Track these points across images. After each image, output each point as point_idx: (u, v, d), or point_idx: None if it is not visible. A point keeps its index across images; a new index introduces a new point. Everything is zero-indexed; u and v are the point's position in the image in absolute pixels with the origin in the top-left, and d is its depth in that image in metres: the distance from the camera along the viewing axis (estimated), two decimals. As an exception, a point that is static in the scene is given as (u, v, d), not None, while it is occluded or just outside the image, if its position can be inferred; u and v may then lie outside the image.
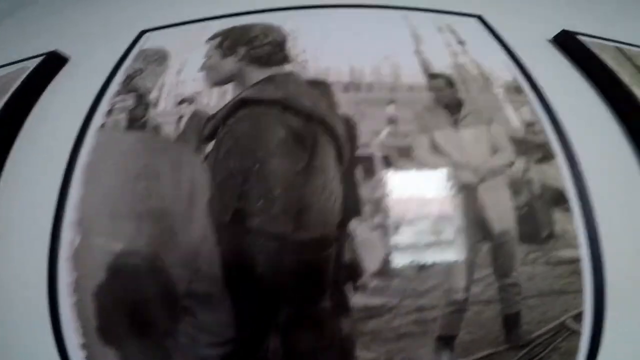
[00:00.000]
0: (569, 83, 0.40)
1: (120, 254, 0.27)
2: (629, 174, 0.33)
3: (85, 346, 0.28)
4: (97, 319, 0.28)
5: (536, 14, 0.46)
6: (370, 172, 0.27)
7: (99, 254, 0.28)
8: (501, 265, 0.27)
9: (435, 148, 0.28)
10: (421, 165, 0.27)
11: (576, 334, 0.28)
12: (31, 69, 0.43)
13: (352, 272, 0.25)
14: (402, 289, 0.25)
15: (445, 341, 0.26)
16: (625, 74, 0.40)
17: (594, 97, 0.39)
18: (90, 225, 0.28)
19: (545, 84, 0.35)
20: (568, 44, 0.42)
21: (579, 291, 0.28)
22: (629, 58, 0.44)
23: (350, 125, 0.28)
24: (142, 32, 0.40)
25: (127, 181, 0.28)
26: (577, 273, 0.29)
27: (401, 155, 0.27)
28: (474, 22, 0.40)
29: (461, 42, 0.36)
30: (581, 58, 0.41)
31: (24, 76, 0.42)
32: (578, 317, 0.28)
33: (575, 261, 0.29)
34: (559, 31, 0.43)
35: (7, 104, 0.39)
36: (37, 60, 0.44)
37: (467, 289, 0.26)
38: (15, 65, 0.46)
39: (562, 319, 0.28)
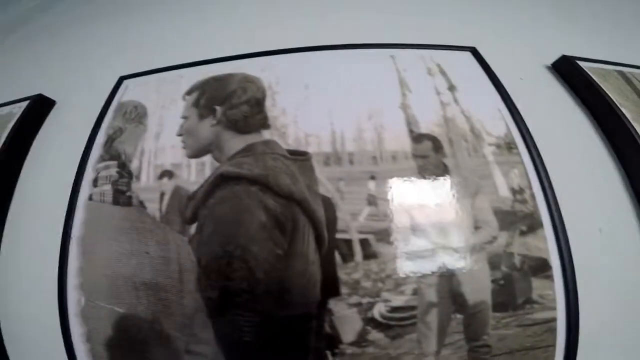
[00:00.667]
0: (566, 118, 0.38)
1: (123, 315, 0.30)
2: (620, 229, 0.33)
3: None
4: None
5: (535, 39, 0.41)
6: (348, 255, 0.28)
7: (105, 314, 0.31)
8: (473, 331, 0.28)
9: (414, 230, 0.28)
10: (397, 248, 0.28)
11: None
12: (20, 113, 0.43)
13: (331, 342, 0.27)
14: (376, 356, 0.28)
15: None
16: (628, 105, 0.37)
17: (591, 139, 0.37)
18: (92, 289, 0.31)
19: (538, 125, 0.34)
20: (568, 70, 0.39)
21: (551, 346, 0.30)
22: (630, 82, 0.41)
23: (329, 207, 0.29)
24: (122, 79, 0.39)
25: (121, 256, 0.30)
26: (551, 331, 0.30)
27: (379, 240, 0.28)
28: (467, 57, 0.37)
29: (451, 88, 0.34)
30: (580, 87, 0.38)
31: (14, 121, 0.42)
32: None
33: (551, 321, 0.30)
34: (559, 56, 0.39)
35: (2, 151, 0.39)
36: (24, 104, 0.43)
37: (437, 352, 0.28)
38: (1, 108, 0.45)
39: None
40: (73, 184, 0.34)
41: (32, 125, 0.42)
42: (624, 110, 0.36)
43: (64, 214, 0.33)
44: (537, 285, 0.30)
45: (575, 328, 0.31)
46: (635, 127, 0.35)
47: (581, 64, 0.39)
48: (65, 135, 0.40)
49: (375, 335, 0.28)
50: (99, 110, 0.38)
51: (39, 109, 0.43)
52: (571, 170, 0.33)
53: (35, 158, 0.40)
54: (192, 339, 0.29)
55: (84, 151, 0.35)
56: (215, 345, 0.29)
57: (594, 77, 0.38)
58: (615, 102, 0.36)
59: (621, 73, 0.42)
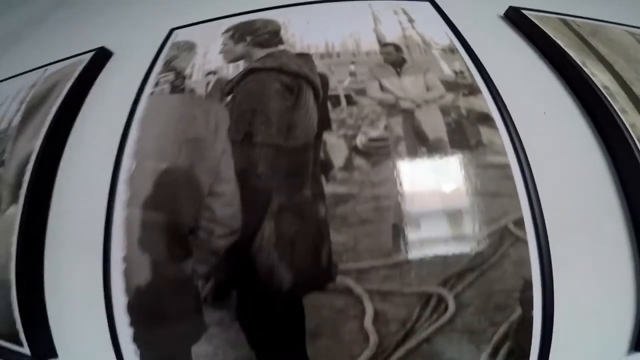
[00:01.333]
0: (509, 47, 0.52)
1: (164, 171, 0.41)
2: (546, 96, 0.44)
3: (126, 259, 0.40)
4: (140, 230, 0.40)
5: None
6: (336, 103, 0.40)
7: (149, 173, 0.41)
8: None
9: (383, 89, 0.41)
10: (372, 99, 0.40)
11: (522, 241, 0.36)
12: (86, 62, 0.57)
13: (325, 167, 0.37)
14: (360, 179, 0.37)
15: (400, 231, 0.37)
16: (563, 39, 0.51)
17: (526, 52, 0.50)
18: (143, 154, 0.42)
19: (483, 49, 0.47)
20: (515, 18, 0.54)
21: (514, 195, 0.38)
22: (572, 29, 0.56)
23: (324, 78, 0.42)
24: (172, 30, 0.56)
25: (171, 124, 0.43)
26: (509, 178, 0.38)
27: (357, 94, 0.40)
28: (427, 5, 0.53)
29: (411, 21, 0.50)
30: (524, 28, 0.53)
31: (81, 68, 0.56)
32: (519, 224, 0.38)
33: (505, 167, 0.39)
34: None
35: (72, 86, 0.54)
36: (89, 55, 0.59)
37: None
38: (69, 60, 0.60)
39: (503, 222, 0.38)
40: (137, 90, 0.48)
41: (97, 69, 0.56)
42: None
43: (129, 108, 0.46)
44: (485, 131, 0.40)
45: (530, 176, 0.39)
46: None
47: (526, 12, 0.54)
48: (129, 70, 0.54)
49: (358, 161, 0.38)
50: (156, 51, 0.53)
51: (98, 61, 0.57)
52: (504, 62, 0.46)
53: (95, 98, 0.55)
54: (216, 179, 0.39)
55: (146, 71, 0.50)
56: (235, 183, 0.39)
57: (537, 22, 0.52)
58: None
59: (561, 19, 0.56)
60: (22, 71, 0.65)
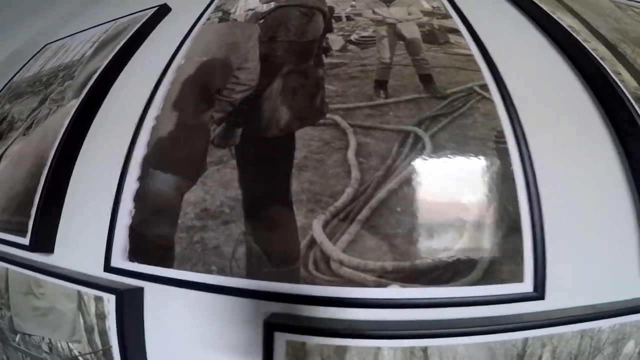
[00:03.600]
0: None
1: (206, 60, 0.55)
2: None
3: (157, 118, 0.52)
4: (178, 94, 0.53)
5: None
6: (339, 19, 0.56)
7: (194, 63, 0.56)
8: (412, 50, 0.50)
9: (375, 13, 0.57)
10: (365, 17, 0.56)
11: (489, 100, 0.45)
12: (150, 14, 0.78)
13: (325, 50, 0.51)
14: (351, 55, 0.49)
15: (380, 84, 0.47)
16: None
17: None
18: (192, 53, 0.58)
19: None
20: None
21: (477, 70, 0.48)
22: None
23: (331, 8, 0.59)
24: None
25: (216, 35, 0.59)
26: (473, 61, 0.49)
27: (355, 15, 0.56)
28: None
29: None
30: None
31: (145, 17, 0.76)
32: (485, 88, 0.46)
33: (469, 55, 0.49)
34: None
35: (138, 28, 0.74)
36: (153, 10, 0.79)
37: (391, 58, 0.49)
38: (137, 14, 0.81)
39: (470, 84, 0.46)
40: (192, 23, 0.66)
41: (155, 21, 0.75)
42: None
43: (185, 33, 0.64)
44: (452, 37, 0.53)
45: (492, 61, 0.49)
46: None
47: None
48: (180, 21, 0.74)
49: (351, 47, 0.51)
50: (207, 3, 0.74)
51: (162, 11, 0.77)
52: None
53: (156, 35, 0.74)
54: (244, 61, 0.53)
55: (200, 14, 0.69)
56: (257, 61, 0.52)
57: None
58: None
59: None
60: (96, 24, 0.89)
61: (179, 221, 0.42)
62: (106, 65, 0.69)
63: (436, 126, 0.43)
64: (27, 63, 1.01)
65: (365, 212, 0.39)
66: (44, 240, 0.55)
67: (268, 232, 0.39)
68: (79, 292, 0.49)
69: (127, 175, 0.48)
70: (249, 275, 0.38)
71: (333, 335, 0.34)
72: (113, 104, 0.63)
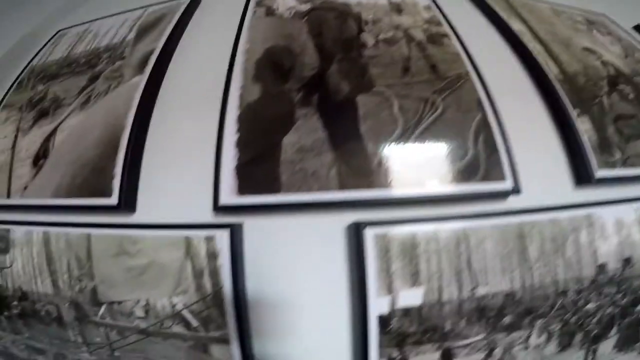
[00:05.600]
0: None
1: (269, 46, 0.75)
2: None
3: (241, 87, 0.71)
4: (254, 69, 0.73)
5: None
6: (366, 23, 0.81)
7: (259, 48, 0.76)
8: (421, 48, 0.77)
9: (392, 20, 0.83)
10: (386, 24, 0.81)
11: (470, 80, 0.74)
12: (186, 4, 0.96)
13: (363, 44, 0.75)
14: (382, 50, 0.74)
15: (405, 69, 0.73)
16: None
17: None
18: (254, 41, 0.77)
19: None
20: None
21: (462, 62, 0.76)
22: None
23: (358, 13, 0.84)
24: None
25: (271, 27, 0.80)
26: (460, 56, 0.77)
27: (377, 21, 0.82)
28: None
29: None
30: None
31: (183, 7, 0.95)
32: (467, 74, 0.75)
33: (458, 53, 0.78)
34: None
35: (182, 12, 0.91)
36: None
37: (409, 53, 0.75)
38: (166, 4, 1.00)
39: (459, 71, 0.75)
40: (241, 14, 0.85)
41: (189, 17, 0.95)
42: None
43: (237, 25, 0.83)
44: (445, 40, 0.80)
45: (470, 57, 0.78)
46: None
47: None
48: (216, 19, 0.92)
49: (381, 44, 0.76)
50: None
51: (193, 5, 0.95)
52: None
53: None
54: (303, 49, 0.75)
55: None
56: (312, 45, 0.75)
57: None
58: None
59: None
60: (119, 11, 1.03)
61: (281, 158, 0.62)
62: (162, 47, 0.84)
63: (442, 95, 0.70)
64: (42, 48, 1.08)
65: (410, 141, 0.64)
66: (130, 198, 0.67)
67: (349, 157, 0.62)
68: (186, 238, 0.61)
69: (225, 129, 0.66)
70: (341, 188, 0.60)
71: (407, 222, 0.57)
72: (182, 79, 0.80)
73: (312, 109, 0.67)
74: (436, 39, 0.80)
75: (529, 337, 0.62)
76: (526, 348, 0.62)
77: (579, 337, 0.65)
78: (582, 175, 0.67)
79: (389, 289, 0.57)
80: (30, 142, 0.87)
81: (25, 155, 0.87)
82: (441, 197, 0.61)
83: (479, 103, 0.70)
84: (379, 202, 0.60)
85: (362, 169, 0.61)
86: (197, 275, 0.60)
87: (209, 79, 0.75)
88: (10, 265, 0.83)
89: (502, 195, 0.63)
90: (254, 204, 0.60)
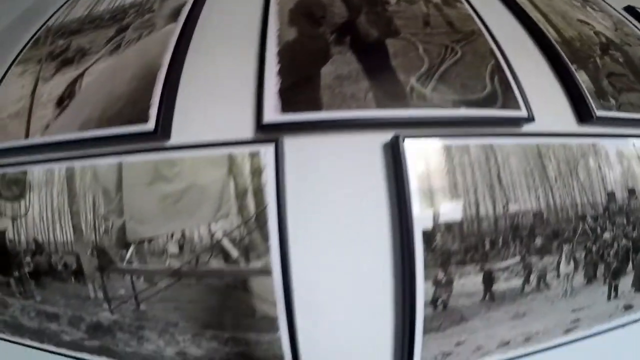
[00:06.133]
0: None
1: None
2: None
3: (278, 30, 0.77)
4: (287, 16, 0.79)
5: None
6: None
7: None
8: (438, 8, 0.86)
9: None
10: None
11: (482, 35, 0.84)
12: None
13: (386, 2, 0.83)
14: (404, 7, 0.83)
15: (425, 23, 0.81)
16: None
17: None
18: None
19: None
20: None
21: (474, 21, 0.86)
22: None
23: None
24: None
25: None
26: (471, 17, 0.87)
27: None
28: None
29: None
30: None
31: None
32: (479, 31, 0.85)
33: (470, 14, 0.88)
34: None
35: None
36: None
37: (427, 12, 0.84)
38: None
39: (471, 28, 0.84)
40: None
41: None
42: None
43: None
44: (458, 4, 0.90)
45: (480, 17, 0.88)
46: None
47: None
48: None
49: (401, 2, 0.85)
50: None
51: None
52: None
53: None
54: (332, 2, 0.82)
55: None
56: (345, 9, 0.82)
57: None
58: None
59: None
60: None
61: (321, 83, 0.67)
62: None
63: (460, 44, 0.79)
64: (57, 10, 1.11)
65: (435, 76, 0.71)
66: (167, 123, 0.69)
67: (384, 84, 0.68)
68: (229, 155, 0.61)
69: (266, 61, 0.71)
70: (379, 107, 0.65)
71: (442, 136, 0.63)
72: (215, 25, 0.84)
73: (345, 47, 0.74)
74: (450, 2, 0.90)
75: (559, 263, 0.67)
76: (558, 276, 0.67)
77: (601, 269, 0.70)
78: (584, 114, 0.76)
79: (430, 202, 0.61)
80: (53, 87, 0.88)
81: (47, 99, 0.87)
82: (468, 118, 0.67)
83: (492, 52, 0.79)
84: (415, 120, 0.65)
85: (396, 93, 0.67)
86: (240, 195, 0.60)
87: (243, 24, 0.81)
88: (26, 213, 0.80)
89: (519, 121, 0.70)
90: (296, 120, 0.64)
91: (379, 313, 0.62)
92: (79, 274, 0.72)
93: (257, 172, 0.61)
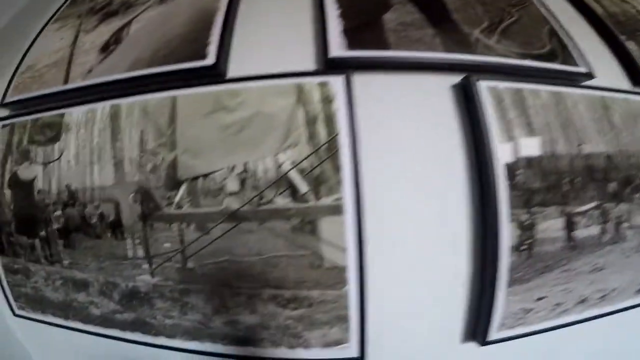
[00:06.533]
0: None
1: None
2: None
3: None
4: None
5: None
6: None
7: None
8: None
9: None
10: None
11: (534, 4, 0.85)
12: None
13: None
14: None
15: None
16: None
17: None
18: None
19: None
20: None
21: None
22: None
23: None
24: None
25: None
26: None
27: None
28: None
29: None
30: None
31: None
32: None
33: None
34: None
35: None
36: None
37: None
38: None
39: None
40: None
41: None
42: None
43: None
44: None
45: None
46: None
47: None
48: None
49: None
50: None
51: None
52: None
53: None
54: None
55: None
56: None
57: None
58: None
59: None
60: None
61: (385, 27, 0.66)
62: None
63: (515, 8, 0.80)
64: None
65: (498, 31, 0.71)
66: (226, 59, 0.67)
67: (449, 32, 0.68)
68: (297, 85, 0.58)
69: (326, 5, 0.70)
70: (446, 51, 0.64)
71: (512, 79, 0.62)
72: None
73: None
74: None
75: (631, 213, 0.64)
76: (631, 227, 0.65)
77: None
78: (637, 78, 0.77)
79: (508, 137, 0.59)
80: (97, 36, 0.87)
81: (90, 46, 0.86)
82: (535, 68, 0.67)
83: (545, 19, 0.80)
84: (485, 65, 0.65)
85: (462, 41, 0.67)
86: (310, 122, 0.57)
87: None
88: (60, 156, 0.75)
89: (581, 76, 0.70)
90: (364, 56, 0.63)
91: (454, 262, 0.58)
92: (116, 226, 0.66)
93: (327, 100, 0.58)
